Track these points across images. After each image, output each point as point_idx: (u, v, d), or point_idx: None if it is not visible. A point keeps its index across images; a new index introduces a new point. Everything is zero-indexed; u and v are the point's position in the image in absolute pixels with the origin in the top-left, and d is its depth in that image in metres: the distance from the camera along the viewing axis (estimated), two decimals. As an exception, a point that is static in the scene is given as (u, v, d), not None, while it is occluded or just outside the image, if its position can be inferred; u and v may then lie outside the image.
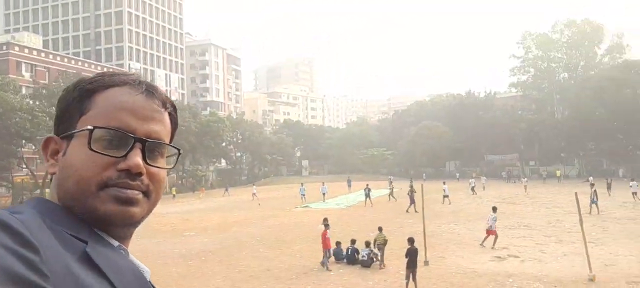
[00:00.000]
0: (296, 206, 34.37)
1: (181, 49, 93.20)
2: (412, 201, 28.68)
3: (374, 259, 14.87)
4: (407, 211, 27.95)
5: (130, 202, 0.79)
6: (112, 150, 0.79)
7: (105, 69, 70.45)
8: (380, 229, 16.40)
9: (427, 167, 75.38)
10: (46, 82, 54.57)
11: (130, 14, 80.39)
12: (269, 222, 26.40)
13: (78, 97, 0.83)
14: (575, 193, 13.55)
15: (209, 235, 22.59)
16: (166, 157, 0.89)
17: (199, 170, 66.45)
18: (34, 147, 47.09)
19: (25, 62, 59.00)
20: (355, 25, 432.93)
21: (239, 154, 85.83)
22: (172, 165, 0.91)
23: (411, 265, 11.92)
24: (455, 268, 14.10)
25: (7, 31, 77.23)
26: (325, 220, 16.72)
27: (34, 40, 65.04)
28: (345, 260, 15.41)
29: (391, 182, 43.23)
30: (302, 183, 42.07)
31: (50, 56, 64.02)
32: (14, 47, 58.22)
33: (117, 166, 0.79)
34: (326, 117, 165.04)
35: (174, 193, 54.94)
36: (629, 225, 21.16)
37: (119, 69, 74.29)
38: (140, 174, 0.80)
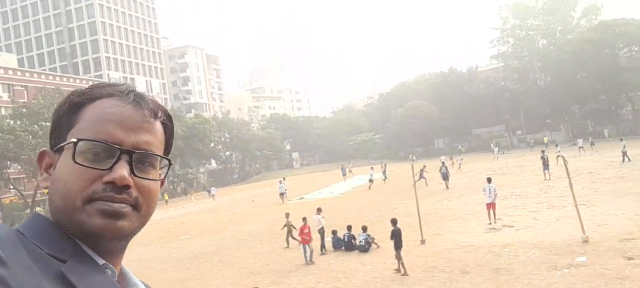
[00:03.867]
0: (290, 199, 34.36)
1: (159, 53, 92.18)
2: (445, 178, 28.94)
3: (372, 243, 14.99)
4: (447, 188, 28.03)
5: (117, 215, 0.76)
6: (98, 163, 0.78)
7: (83, 82, 69.83)
8: (287, 215, 17.90)
9: (417, 146, 75.70)
10: (25, 100, 53.62)
11: (103, 23, 79.20)
12: (265, 218, 26.39)
13: (67, 110, 0.83)
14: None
15: (206, 236, 22.52)
16: (160, 168, 0.87)
17: (190, 173, 66.11)
18: (19, 167, 46.40)
19: (1, 83, 57.90)
20: (334, 17, 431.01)
21: (228, 153, 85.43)
22: (164, 177, 0.88)
23: (399, 246, 12.04)
24: (452, 244, 14.23)
25: (-21, 53, 75.65)
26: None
27: (8, 60, 63.79)
28: (343, 248, 15.49)
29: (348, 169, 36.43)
30: (281, 179, 37.38)
31: (27, 74, 62.88)
32: (-12, 68, 57.13)
33: (103, 179, 0.77)
34: (312, 108, 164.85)
35: (167, 198, 54.67)
36: (618, 184, 21.50)
37: (103, 80, 73.31)
38: (127, 187, 0.78)
